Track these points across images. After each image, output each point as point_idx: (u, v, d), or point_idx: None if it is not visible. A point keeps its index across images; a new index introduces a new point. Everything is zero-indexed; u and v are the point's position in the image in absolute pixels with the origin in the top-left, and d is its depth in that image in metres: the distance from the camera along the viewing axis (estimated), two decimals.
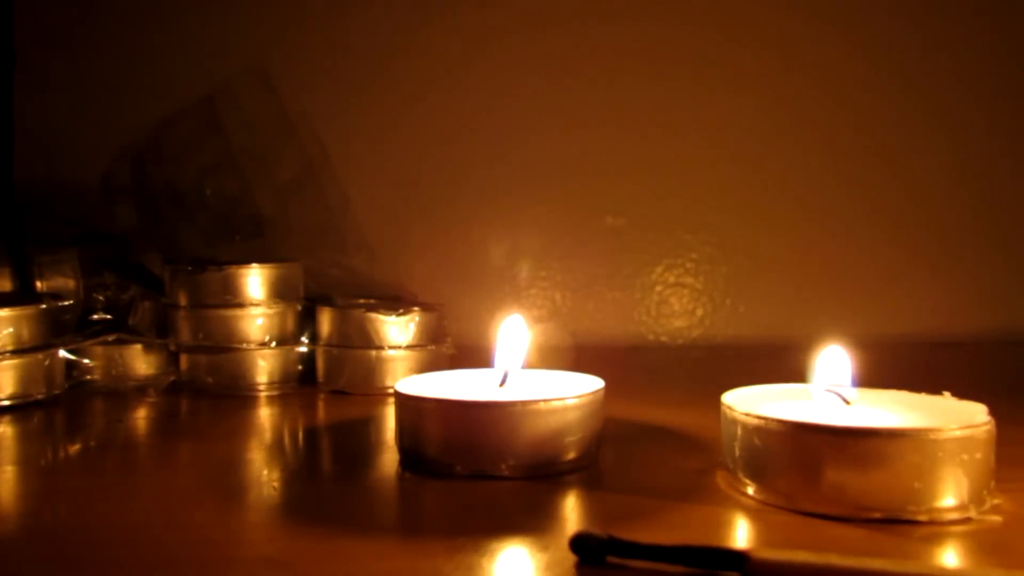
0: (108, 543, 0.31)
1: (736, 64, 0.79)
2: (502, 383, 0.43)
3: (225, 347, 0.58)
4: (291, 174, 0.70)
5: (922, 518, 0.32)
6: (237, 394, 0.58)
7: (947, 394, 0.37)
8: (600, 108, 0.79)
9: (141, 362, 0.61)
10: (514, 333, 0.44)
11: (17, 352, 0.53)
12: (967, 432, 0.32)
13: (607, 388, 0.41)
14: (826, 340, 0.40)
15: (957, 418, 0.34)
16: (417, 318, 0.58)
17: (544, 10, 0.79)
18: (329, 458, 0.44)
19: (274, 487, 0.38)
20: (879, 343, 0.56)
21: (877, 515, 0.32)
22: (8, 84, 0.78)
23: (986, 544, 0.30)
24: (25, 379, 0.53)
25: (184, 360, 0.60)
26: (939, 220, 0.79)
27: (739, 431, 0.35)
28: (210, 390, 0.58)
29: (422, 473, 0.39)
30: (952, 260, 0.79)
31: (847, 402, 0.38)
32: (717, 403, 0.37)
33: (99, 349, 0.59)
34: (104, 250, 0.65)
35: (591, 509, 0.35)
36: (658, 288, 0.79)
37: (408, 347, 0.58)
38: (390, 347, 0.58)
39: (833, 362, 0.39)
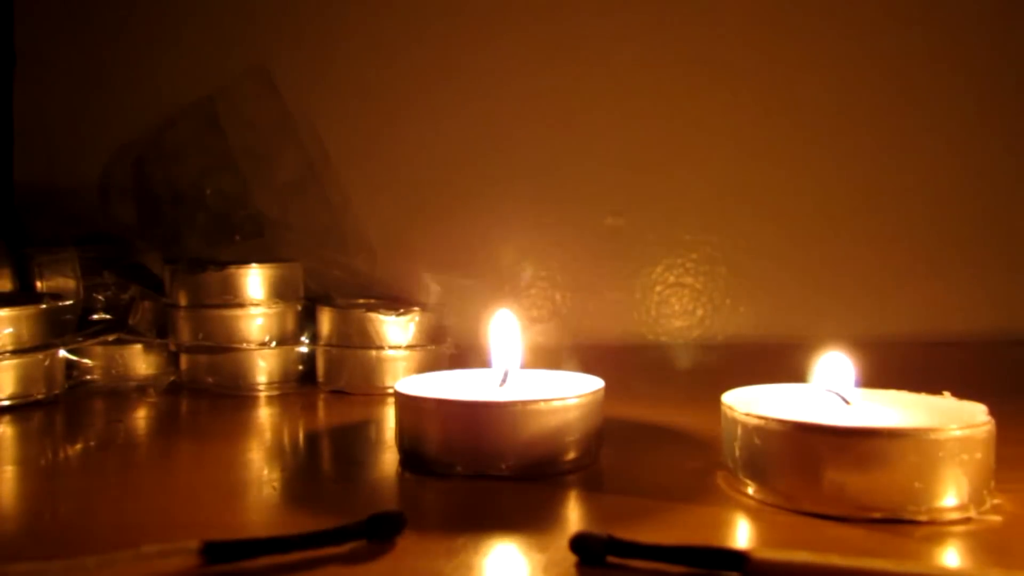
0: (108, 543, 0.31)
1: (738, 63, 0.79)
2: (502, 383, 0.43)
3: (225, 347, 0.58)
4: (291, 174, 0.70)
5: (922, 518, 0.32)
6: (237, 394, 0.58)
7: (947, 394, 0.37)
8: (600, 107, 0.79)
9: (141, 362, 0.61)
10: (505, 329, 0.44)
11: (17, 352, 0.53)
12: (967, 432, 0.32)
13: (607, 388, 0.41)
14: (826, 340, 0.40)
15: (957, 418, 0.34)
16: (417, 318, 0.58)
17: (545, 9, 0.79)
18: (329, 458, 0.44)
19: (274, 487, 0.38)
20: (879, 343, 0.55)
21: (877, 515, 0.32)
22: (8, 84, 0.78)
23: (986, 544, 0.30)
24: (25, 379, 0.53)
25: (184, 360, 0.60)
26: (940, 220, 0.79)
27: (739, 431, 0.35)
28: (210, 390, 0.58)
29: (422, 473, 0.39)
30: (952, 260, 0.79)
31: (847, 402, 0.38)
32: (717, 403, 0.37)
33: (99, 349, 0.59)
34: (104, 250, 0.65)
35: (591, 509, 0.35)
36: (658, 288, 0.79)
37: (408, 347, 0.58)
38: (390, 347, 0.58)
39: (834, 367, 0.39)
